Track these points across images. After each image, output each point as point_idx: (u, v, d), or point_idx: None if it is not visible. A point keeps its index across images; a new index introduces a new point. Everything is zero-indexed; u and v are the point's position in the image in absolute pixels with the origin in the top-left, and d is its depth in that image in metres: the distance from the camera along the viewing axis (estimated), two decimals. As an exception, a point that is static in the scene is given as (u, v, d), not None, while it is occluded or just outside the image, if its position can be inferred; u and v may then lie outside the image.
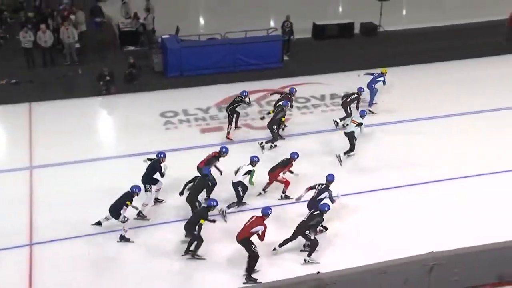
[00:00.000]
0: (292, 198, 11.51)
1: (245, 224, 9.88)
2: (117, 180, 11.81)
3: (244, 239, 9.73)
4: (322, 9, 24.33)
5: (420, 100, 16.08)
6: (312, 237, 9.97)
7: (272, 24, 21.04)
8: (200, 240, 10.08)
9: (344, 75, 17.64)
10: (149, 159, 11.57)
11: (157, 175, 11.37)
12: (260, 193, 11.84)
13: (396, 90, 16.52)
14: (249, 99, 14.21)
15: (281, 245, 10.26)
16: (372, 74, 15.36)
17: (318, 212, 10.12)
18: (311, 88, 16.77)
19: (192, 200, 10.88)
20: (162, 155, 11.43)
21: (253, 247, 9.72)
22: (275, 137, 13.58)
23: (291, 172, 11.75)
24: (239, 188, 11.32)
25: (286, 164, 11.76)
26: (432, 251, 9.39)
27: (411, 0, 25.55)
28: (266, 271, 9.85)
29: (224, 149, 11.88)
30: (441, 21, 22.07)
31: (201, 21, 23.69)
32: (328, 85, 16.98)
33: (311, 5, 23.27)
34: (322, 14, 22.80)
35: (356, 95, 14.44)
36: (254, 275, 9.79)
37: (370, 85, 15.19)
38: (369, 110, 14.90)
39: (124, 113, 15.80)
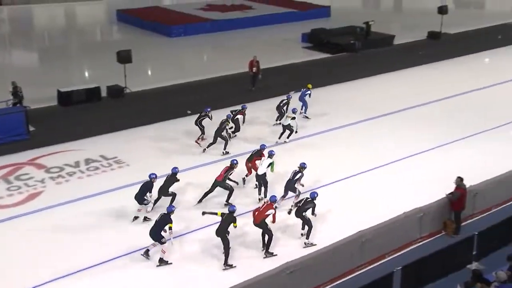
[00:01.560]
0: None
1: (259, 210, 11.91)
2: None
3: (261, 222, 11.79)
4: (67, 76, 24.50)
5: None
6: (307, 218, 12.12)
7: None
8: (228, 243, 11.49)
9: (97, 138, 18.03)
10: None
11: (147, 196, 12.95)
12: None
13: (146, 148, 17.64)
14: (211, 115, 17.02)
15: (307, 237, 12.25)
16: (301, 90, 19.00)
17: (310, 199, 12.25)
18: (64, 156, 16.64)
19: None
20: (153, 176, 12.98)
21: (269, 227, 11.84)
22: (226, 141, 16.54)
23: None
24: (265, 178, 13.68)
25: (259, 154, 14.35)
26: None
27: (154, 62, 27.65)
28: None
29: (234, 161, 13.83)
30: (182, 79, 24.19)
31: None
32: (82, 150, 17.08)
33: (54, 72, 23.20)
34: (68, 81, 23.00)
35: (286, 100, 18.46)
36: (271, 250, 11.87)
37: (301, 98, 19.00)
38: (305, 116, 18.97)
39: None
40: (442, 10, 31.31)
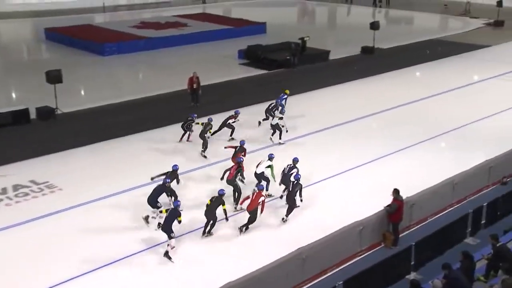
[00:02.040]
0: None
1: (251, 198, 13.26)
2: None
3: (254, 209, 13.13)
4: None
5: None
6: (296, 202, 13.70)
7: None
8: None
9: (26, 163, 17.30)
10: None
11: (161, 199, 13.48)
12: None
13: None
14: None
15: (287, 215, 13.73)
16: (280, 96, 20.32)
17: (296, 182, 13.71)
18: (-11, 183, 15.87)
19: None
20: (168, 180, 13.62)
21: (258, 213, 13.15)
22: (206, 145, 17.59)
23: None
24: (262, 178, 14.67)
25: (242, 150, 15.98)
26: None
27: (86, 82, 27.03)
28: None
29: (241, 159, 15.02)
30: (117, 99, 23.80)
31: None
32: (9, 176, 16.32)
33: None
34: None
35: (275, 104, 19.86)
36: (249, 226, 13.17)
37: (279, 102, 20.08)
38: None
39: None
40: (374, 25, 32.40)
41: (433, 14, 49.04)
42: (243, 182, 15.32)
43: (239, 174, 14.87)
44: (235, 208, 14.29)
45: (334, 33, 42.95)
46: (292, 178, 14.26)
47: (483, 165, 15.83)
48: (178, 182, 14.55)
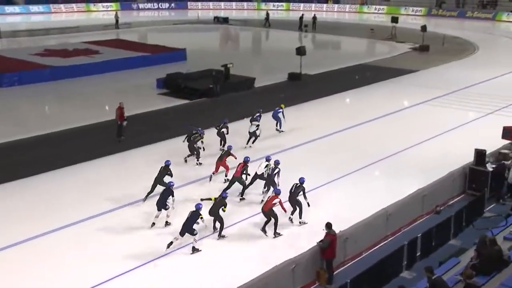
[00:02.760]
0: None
1: (267, 200, 15.60)
2: None
3: (269, 210, 15.18)
4: None
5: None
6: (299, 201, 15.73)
7: None
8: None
9: None
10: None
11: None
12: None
13: None
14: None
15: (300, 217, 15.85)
16: (275, 109, 23.71)
17: (299, 184, 15.72)
18: None
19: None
20: (172, 184, 15.81)
21: (275, 213, 15.22)
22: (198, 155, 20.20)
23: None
24: (264, 177, 17.45)
25: (228, 154, 18.70)
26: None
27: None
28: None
29: (248, 159, 17.83)
30: (18, 135, 23.07)
31: None
32: None
33: None
34: None
35: (258, 114, 22.55)
36: (278, 231, 15.28)
37: (274, 116, 23.61)
38: (281, 131, 23.75)
39: None
40: (300, 51, 33.43)
41: (360, 38, 51.42)
42: (247, 177, 17.77)
43: (244, 171, 17.54)
44: (240, 199, 17.39)
45: (259, 59, 43.92)
46: (277, 180, 17.15)
47: (416, 194, 16.53)
48: (171, 176, 16.87)
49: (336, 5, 76.70)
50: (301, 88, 31.88)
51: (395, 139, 23.04)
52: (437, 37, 47.92)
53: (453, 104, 28.16)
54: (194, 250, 14.60)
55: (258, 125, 22.03)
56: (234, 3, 78.10)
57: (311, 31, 54.99)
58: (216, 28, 58.86)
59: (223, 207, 15.27)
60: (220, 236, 15.25)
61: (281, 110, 23.67)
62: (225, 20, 62.28)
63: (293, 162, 20.12)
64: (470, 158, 18.26)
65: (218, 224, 15.34)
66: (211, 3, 76.93)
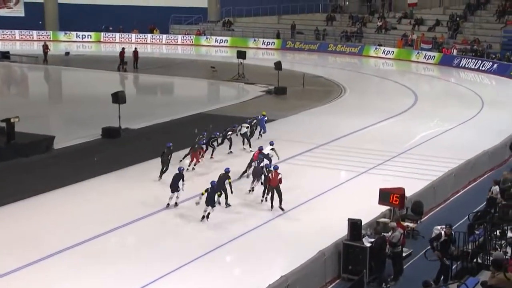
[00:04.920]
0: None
1: (272, 177, 23.39)
2: None
3: (278, 185, 23.17)
4: None
5: None
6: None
7: None
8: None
9: None
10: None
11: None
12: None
13: None
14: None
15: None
16: (257, 118, 32.65)
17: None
18: None
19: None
20: (182, 168, 24.41)
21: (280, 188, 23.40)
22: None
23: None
24: (269, 156, 26.90)
25: (201, 147, 28.33)
26: None
27: None
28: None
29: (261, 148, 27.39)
30: None
31: None
32: None
33: None
34: None
35: (255, 120, 32.41)
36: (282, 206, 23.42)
37: (261, 124, 32.75)
38: (260, 134, 32.97)
39: None
40: (118, 98, 33.10)
41: (199, 79, 52.64)
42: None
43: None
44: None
45: (60, 110, 42.83)
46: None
47: (279, 285, 16.69)
48: (170, 159, 27.01)
49: (164, 36, 77.73)
50: (120, 147, 31.56)
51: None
52: (296, 77, 50.41)
53: (319, 161, 29.47)
54: (207, 217, 22.22)
55: (248, 127, 31.03)
56: (17, 32, 75.34)
57: (132, 70, 54.98)
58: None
59: (227, 179, 23.48)
60: (226, 204, 23.48)
61: (265, 117, 33.04)
62: (5, 55, 60.44)
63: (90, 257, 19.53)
64: (343, 231, 18.98)
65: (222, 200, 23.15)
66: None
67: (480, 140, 31.58)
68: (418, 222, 21.30)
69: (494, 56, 57.41)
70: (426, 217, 22.37)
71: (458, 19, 66.15)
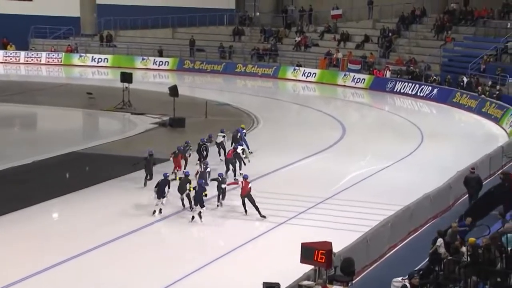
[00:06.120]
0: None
1: (242, 187, 28.98)
2: None
3: (247, 193, 28.85)
4: None
5: None
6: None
7: None
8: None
9: None
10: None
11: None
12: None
13: None
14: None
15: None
16: (239, 131, 38.04)
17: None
18: None
19: None
20: (167, 174, 30.05)
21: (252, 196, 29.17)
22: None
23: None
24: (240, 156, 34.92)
25: (183, 152, 34.86)
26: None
27: None
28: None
29: (238, 145, 35.35)
30: None
31: None
32: None
33: None
34: None
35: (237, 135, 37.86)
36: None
37: (242, 137, 37.93)
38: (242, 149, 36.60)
39: None
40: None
41: (71, 109, 51.91)
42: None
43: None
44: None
45: None
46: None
47: None
48: (154, 164, 33.17)
49: (22, 53, 75.56)
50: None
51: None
52: (197, 105, 50.64)
53: (226, 211, 29.63)
54: (199, 215, 27.68)
55: (224, 136, 36.81)
56: None
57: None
58: None
59: (188, 184, 28.73)
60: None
61: (244, 130, 38.64)
62: None
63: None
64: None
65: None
66: None
67: (421, 181, 32.54)
68: (350, 284, 21.32)
69: (433, 79, 58.92)
70: (358, 278, 22.44)
71: (390, 34, 67.92)
